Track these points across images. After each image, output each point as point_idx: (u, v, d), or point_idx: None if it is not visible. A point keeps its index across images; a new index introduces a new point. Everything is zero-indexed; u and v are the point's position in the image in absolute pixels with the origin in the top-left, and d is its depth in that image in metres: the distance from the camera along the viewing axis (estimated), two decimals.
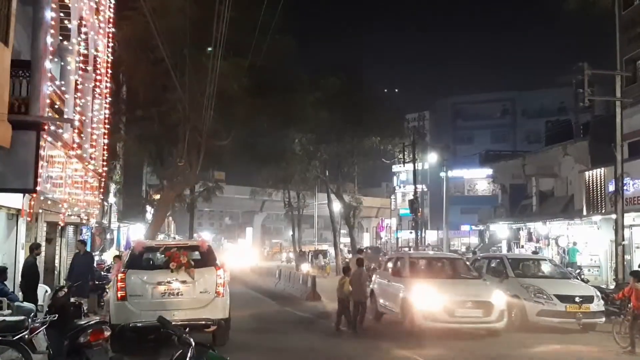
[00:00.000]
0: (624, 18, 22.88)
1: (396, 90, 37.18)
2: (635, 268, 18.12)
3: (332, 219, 41.09)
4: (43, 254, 14.00)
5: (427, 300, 11.89)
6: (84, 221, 17.29)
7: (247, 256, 50.15)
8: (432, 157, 50.88)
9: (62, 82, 12.61)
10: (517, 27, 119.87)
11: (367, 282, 14.19)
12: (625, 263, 17.98)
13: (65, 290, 10.25)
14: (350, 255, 29.17)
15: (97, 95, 16.19)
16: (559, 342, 11.75)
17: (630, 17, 23.70)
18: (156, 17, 17.23)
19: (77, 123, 13.55)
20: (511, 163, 37.73)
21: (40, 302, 11.33)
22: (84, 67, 14.47)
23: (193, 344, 4.77)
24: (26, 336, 7.50)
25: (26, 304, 10.19)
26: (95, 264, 18.75)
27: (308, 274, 23.77)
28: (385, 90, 34.69)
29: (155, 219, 23.56)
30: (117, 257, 16.11)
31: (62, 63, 12.96)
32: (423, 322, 11.78)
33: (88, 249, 20.74)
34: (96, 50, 15.64)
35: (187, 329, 4.81)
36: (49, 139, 10.69)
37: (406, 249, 47.28)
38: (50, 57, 10.48)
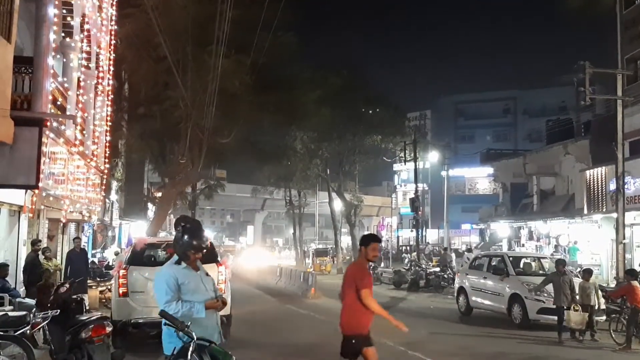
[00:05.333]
0: (625, 17, 22.82)
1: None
2: (636, 267, 18.19)
3: (333, 217, 41.13)
4: None
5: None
6: (86, 218, 17.31)
7: None
8: (433, 156, 50.88)
9: (65, 79, 12.60)
10: (519, 26, 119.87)
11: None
12: (626, 262, 17.98)
13: (67, 286, 10.29)
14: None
15: (99, 93, 16.18)
16: (558, 340, 11.76)
17: (631, 16, 23.69)
18: (158, 15, 17.27)
19: (79, 120, 13.55)
20: (512, 162, 37.71)
21: None
22: (86, 64, 14.45)
23: (195, 337, 4.78)
24: (28, 331, 7.53)
25: (27, 300, 10.24)
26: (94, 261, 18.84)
27: (309, 272, 23.75)
28: (375, 111, 34.93)
29: (157, 217, 23.60)
30: None
31: (65, 60, 12.95)
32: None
33: (90, 246, 20.92)
34: (98, 47, 15.63)
35: (190, 323, 4.81)
36: (51, 135, 10.67)
37: (405, 247, 47.37)
38: (53, 53, 10.46)
